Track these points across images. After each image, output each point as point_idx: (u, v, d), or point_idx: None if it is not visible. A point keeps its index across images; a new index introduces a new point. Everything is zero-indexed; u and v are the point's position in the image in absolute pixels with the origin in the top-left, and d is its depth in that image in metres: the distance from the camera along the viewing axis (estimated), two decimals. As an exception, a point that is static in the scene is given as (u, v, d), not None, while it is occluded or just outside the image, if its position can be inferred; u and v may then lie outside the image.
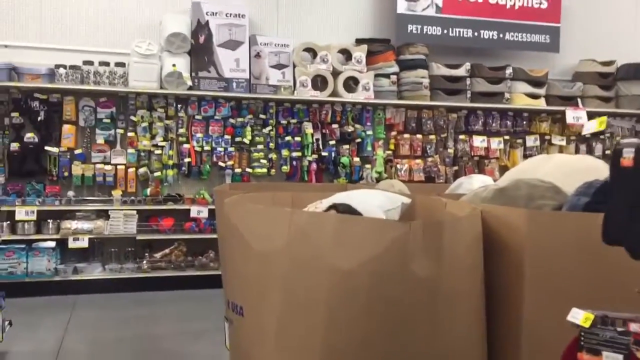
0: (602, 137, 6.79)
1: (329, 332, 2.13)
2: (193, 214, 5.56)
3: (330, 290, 2.26)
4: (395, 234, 2.32)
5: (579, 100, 6.57)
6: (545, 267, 2.52)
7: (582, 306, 1.90)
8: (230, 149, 5.77)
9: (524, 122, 6.55)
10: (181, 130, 5.68)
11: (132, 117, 5.56)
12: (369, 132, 6.08)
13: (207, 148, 5.71)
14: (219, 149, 5.73)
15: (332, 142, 5.96)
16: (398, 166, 6.16)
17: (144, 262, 5.48)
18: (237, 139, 5.79)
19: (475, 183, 4.36)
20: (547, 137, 6.64)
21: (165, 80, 5.46)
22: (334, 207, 3.02)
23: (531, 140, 6.55)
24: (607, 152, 6.71)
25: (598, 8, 6.86)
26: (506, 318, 2.54)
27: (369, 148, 6.06)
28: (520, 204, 3.17)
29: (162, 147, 5.62)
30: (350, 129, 6.00)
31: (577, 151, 6.74)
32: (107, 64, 5.40)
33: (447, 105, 6.22)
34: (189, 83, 5.52)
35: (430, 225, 2.42)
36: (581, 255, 2.54)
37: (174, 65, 5.43)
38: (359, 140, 6.04)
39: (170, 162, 5.62)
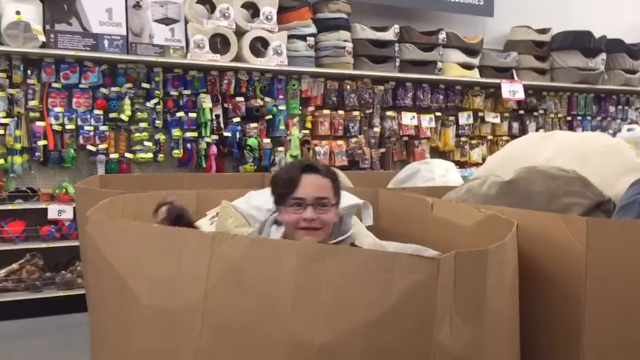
0: (535, 114, 6.12)
1: None
2: (52, 215, 4.18)
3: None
4: (411, 279, 1.26)
5: (514, 72, 5.84)
6: (613, 296, 1.71)
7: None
8: (103, 127, 4.39)
9: (457, 97, 5.71)
10: (33, 103, 4.22)
11: (-41, 84, 4.03)
12: (282, 107, 4.94)
13: (70, 127, 4.30)
14: (87, 127, 4.34)
15: (237, 120, 4.77)
16: (317, 149, 5.09)
17: (-17, 283, 4.02)
18: (112, 115, 4.43)
19: (436, 170, 3.37)
20: (480, 114, 5.85)
21: (7, 34, 3.98)
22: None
23: (464, 117, 5.75)
24: (541, 130, 6.05)
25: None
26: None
27: (282, 127, 4.94)
28: (538, 204, 2.20)
29: (6, 125, 4.14)
30: (258, 103, 4.83)
31: (510, 129, 6.02)
32: None
33: (373, 76, 5.23)
34: (42, 39, 4.08)
35: (466, 260, 1.36)
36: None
37: (17, 13, 3.96)
38: (269, 117, 4.89)
39: (18, 146, 4.16)
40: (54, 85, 4.27)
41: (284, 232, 1.86)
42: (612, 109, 6.50)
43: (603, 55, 6.06)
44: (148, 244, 1.49)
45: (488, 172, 2.64)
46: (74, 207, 4.07)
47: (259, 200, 2.33)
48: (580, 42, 5.89)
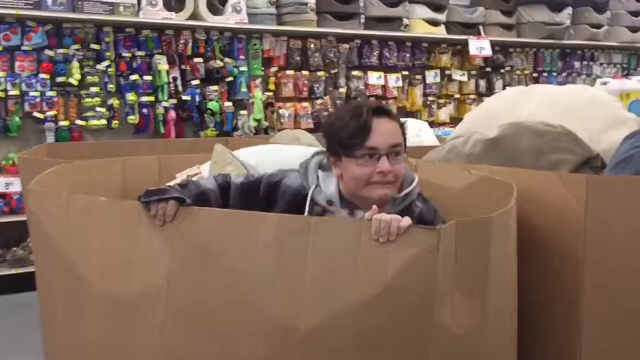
0: (502, 71, 6.01)
1: None
2: (-1, 189, 3.88)
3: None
4: (408, 253, 1.10)
5: (481, 28, 5.69)
6: (613, 257, 1.61)
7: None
8: (51, 93, 4.08)
9: (423, 55, 5.55)
10: (-30, 68, 3.88)
11: None
12: (243, 69, 4.70)
13: (13, 92, 3.98)
14: (33, 93, 4.02)
15: (195, 82, 4.50)
16: (281, 111, 4.87)
17: None
18: (60, 79, 4.11)
19: (409, 130, 3.21)
20: (447, 72, 5.71)
21: (-64, -9, 3.61)
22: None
23: (431, 76, 5.59)
24: (507, 87, 5.94)
25: None
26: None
27: (244, 89, 4.70)
28: (525, 161, 2.07)
29: (-59, 92, 3.80)
30: (218, 64, 4.57)
31: (477, 88, 5.90)
32: None
33: (337, 33, 5.01)
34: (-24, -4, 3.71)
35: (469, 229, 1.20)
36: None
37: (-54, -34, 3.58)
38: (230, 79, 4.64)
39: (-43, 115, 3.83)
40: (-7, 47, 3.93)
41: (337, 183, 1.61)
42: (577, 64, 6.45)
43: (569, 10, 5.96)
44: (97, 221, 1.28)
45: (468, 129, 2.50)
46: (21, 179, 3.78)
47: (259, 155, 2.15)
48: (547, -5, 5.77)
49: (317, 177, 1.63)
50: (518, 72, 6.09)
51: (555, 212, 1.62)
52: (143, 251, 1.21)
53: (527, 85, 6.08)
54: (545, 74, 6.27)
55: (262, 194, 1.64)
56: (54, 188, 1.66)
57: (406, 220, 1.20)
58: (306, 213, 1.56)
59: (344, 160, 1.55)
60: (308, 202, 1.59)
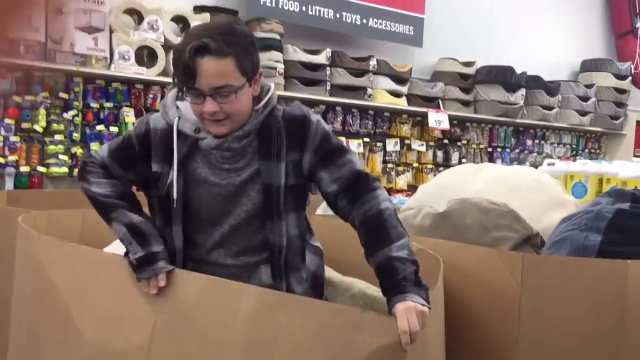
0: (459, 144, 6.28)
1: None
2: (-49, 232, 3.79)
3: None
4: (379, 342, 1.18)
5: (440, 102, 5.96)
6: (546, 334, 1.72)
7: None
8: (14, 138, 4.08)
9: (385, 124, 5.77)
10: None
11: None
12: (209, 126, 4.78)
13: (-24, 136, 3.97)
14: (-4, 138, 4.02)
15: (161, 136, 4.56)
16: (243, 169, 4.95)
17: None
18: (25, 125, 4.13)
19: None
20: (407, 142, 5.93)
21: None
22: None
23: (391, 144, 5.80)
24: (464, 160, 6.21)
25: (457, 3, 6.33)
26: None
27: (208, 145, 4.77)
28: (470, 236, 2.18)
29: None
30: (184, 119, 4.65)
31: (434, 157, 6.13)
32: None
33: (303, 98, 5.16)
34: (-51, 39, 3.75)
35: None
36: (598, 316, 1.73)
37: None
38: (195, 134, 4.72)
39: None
40: (-39, 90, 3.94)
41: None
42: (529, 142, 6.78)
43: (523, 91, 6.31)
44: (99, 273, 1.33)
45: (420, 201, 2.63)
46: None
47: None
48: (503, 76, 6.11)
49: (178, 108, 1.64)
50: (474, 145, 6.36)
51: (492, 287, 1.72)
52: (133, 308, 1.25)
53: (482, 159, 6.37)
54: (499, 149, 6.56)
55: (138, 148, 1.66)
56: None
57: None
58: (175, 146, 1.59)
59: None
60: (175, 136, 1.60)
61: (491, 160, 6.46)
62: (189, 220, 1.65)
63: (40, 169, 4.19)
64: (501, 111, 6.15)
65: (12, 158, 4.07)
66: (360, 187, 1.62)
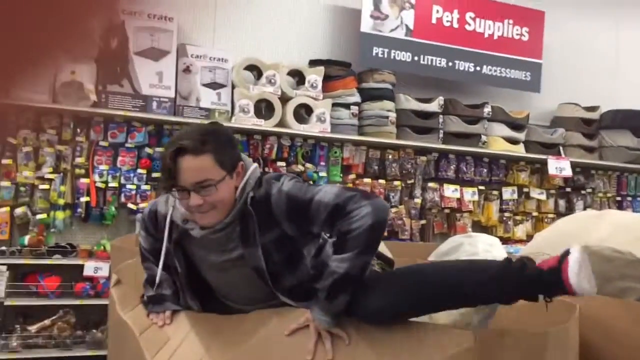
0: (583, 192, 5.93)
1: None
2: (88, 272, 4.15)
3: None
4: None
5: (561, 148, 5.71)
6: None
7: None
8: (145, 187, 4.43)
9: (501, 171, 5.60)
10: (79, 160, 4.30)
11: (11, 139, 4.14)
12: (323, 174, 4.92)
13: (113, 184, 4.35)
14: (130, 186, 4.38)
15: (277, 184, 4.73)
16: (356, 217, 4.99)
17: (14, 337, 3.97)
18: (155, 175, 4.47)
19: (479, 244, 3.23)
20: (525, 190, 5.70)
21: (60, 92, 4.11)
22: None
23: (508, 192, 5.60)
24: (589, 209, 5.83)
25: (578, 47, 6.10)
26: None
27: (322, 193, 4.87)
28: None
29: (51, 180, 4.21)
30: (299, 168, 4.82)
31: (556, 207, 5.83)
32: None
33: (416, 146, 5.18)
34: (93, 98, 4.19)
35: (521, 341, 1.24)
36: None
37: (72, 72, 4.09)
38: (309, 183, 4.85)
39: (61, 202, 4.21)
40: (101, 143, 4.35)
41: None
42: (663, 190, 6.26)
43: (654, 135, 5.89)
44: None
45: (537, 249, 2.51)
46: (110, 265, 4.04)
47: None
48: (630, 121, 5.75)
49: (175, 200, 1.82)
50: (600, 194, 5.98)
51: (619, 340, 1.60)
52: (190, 343, 1.34)
53: (609, 208, 5.95)
54: (629, 198, 6.11)
55: (153, 222, 1.96)
56: (130, 277, 1.92)
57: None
58: (165, 233, 1.86)
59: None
60: (167, 224, 1.85)
61: (620, 210, 6.02)
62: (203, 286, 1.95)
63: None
64: (630, 157, 5.76)
65: (143, 205, 4.40)
66: (337, 219, 1.68)
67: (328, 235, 1.90)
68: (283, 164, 4.79)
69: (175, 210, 1.84)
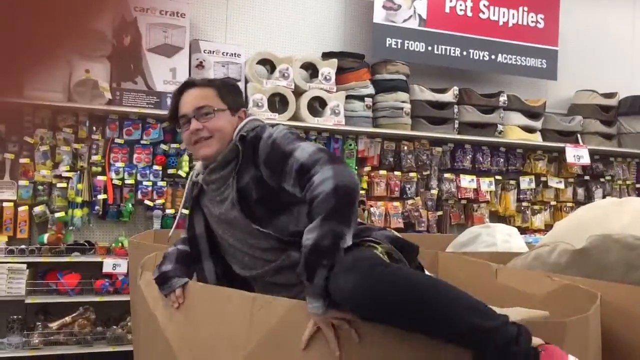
0: (602, 180, 5.86)
1: None
2: (107, 269, 4.18)
3: None
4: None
5: (579, 136, 5.63)
6: None
7: None
8: (161, 183, 4.45)
9: (518, 161, 5.54)
10: (95, 158, 4.32)
11: (28, 138, 4.17)
12: (338, 167, 4.88)
13: (129, 181, 4.37)
14: (146, 183, 4.40)
15: (292, 178, 4.73)
16: (372, 209, 4.99)
17: (35, 334, 4.02)
18: (171, 171, 4.48)
19: (498, 235, 3.19)
20: (542, 179, 5.64)
21: (75, 91, 4.13)
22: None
23: (525, 182, 5.55)
24: (608, 197, 5.76)
25: (594, 33, 6.01)
26: None
27: (337, 186, 4.86)
28: (613, 274, 2.01)
29: (68, 179, 4.24)
30: (314, 162, 4.79)
31: (574, 195, 5.76)
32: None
33: (431, 137, 5.14)
34: (108, 96, 4.21)
35: (539, 330, 1.22)
36: None
37: (87, 71, 4.11)
38: (325, 176, 4.83)
39: (79, 199, 4.25)
40: (117, 140, 4.37)
41: None
42: (684, 176, 6.16)
43: (674, 120, 5.79)
44: (192, 306, 1.43)
45: (556, 238, 2.48)
46: (128, 262, 4.07)
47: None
48: (649, 107, 5.67)
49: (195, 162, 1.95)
50: (619, 182, 5.90)
51: (642, 329, 1.57)
52: (225, 336, 1.33)
53: (629, 195, 5.87)
54: (649, 185, 6.03)
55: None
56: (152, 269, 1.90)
57: None
58: (185, 193, 2.00)
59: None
60: (188, 185, 1.97)
61: (640, 197, 5.95)
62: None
63: (185, 211, 4.48)
64: (649, 144, 5.68)
65: (160, 201, 4.42)
66: (303, 182, 1.62)
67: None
68: (298, 157, 4.78)
69: (194, 171, 1.94)
